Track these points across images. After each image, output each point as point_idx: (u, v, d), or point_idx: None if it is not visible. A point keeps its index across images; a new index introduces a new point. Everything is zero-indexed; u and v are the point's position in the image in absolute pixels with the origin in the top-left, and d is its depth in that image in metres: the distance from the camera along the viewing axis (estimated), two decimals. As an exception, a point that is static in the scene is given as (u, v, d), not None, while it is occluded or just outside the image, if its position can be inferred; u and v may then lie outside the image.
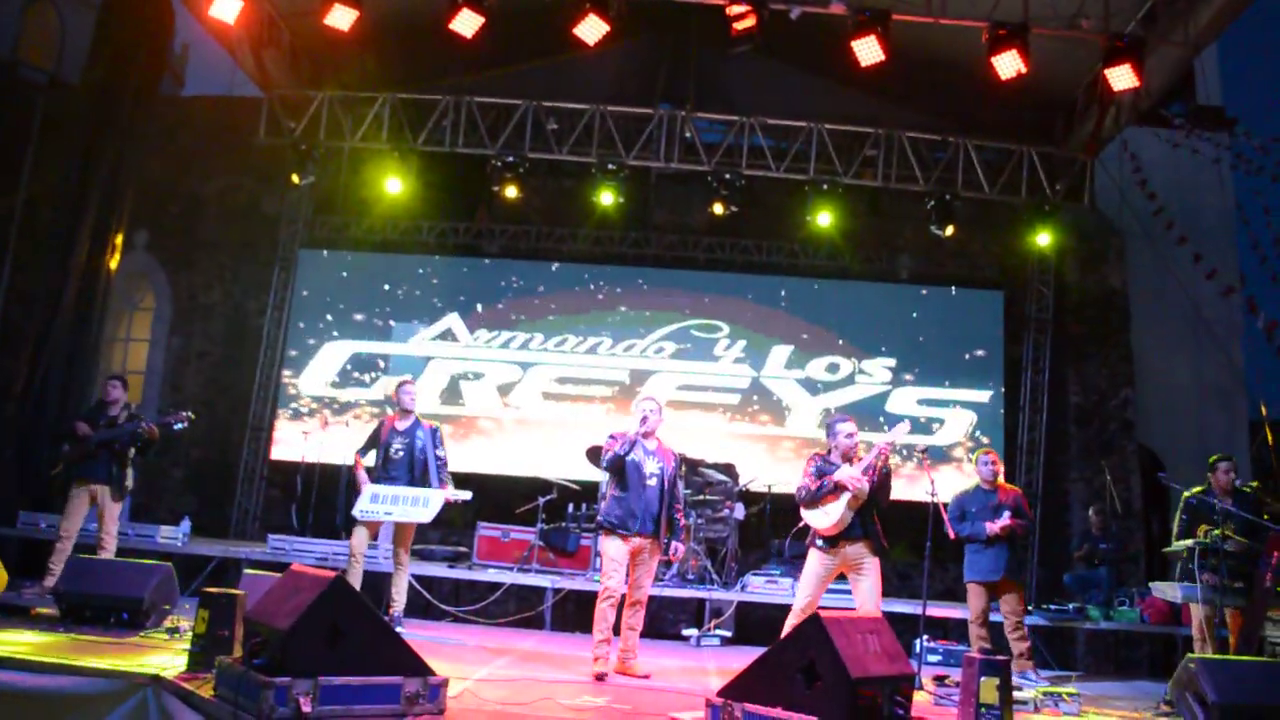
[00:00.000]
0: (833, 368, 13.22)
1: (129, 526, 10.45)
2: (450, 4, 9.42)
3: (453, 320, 13.50)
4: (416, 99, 12.19)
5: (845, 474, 6.56)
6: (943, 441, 12.89)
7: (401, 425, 8.31)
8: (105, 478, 8.52)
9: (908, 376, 13.15)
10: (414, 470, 8.17)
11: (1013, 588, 8.14)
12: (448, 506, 8.38)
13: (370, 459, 8.33)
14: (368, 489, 8.08)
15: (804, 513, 6.77)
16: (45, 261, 11.49)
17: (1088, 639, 10.35)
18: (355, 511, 8.07)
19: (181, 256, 14.19)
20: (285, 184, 12.78)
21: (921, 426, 12.95)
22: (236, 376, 13.60)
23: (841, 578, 6.85)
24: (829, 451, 6.86)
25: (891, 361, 13.20)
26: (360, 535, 8.10)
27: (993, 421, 12.99)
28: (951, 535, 7.75)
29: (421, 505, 8.12)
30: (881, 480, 6.59)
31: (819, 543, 6.70)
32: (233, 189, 14.26)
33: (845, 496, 6.51)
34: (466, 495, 8.43)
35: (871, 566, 6.63)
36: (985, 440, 12.75)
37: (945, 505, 7.68)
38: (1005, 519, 7.98)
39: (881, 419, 12.92)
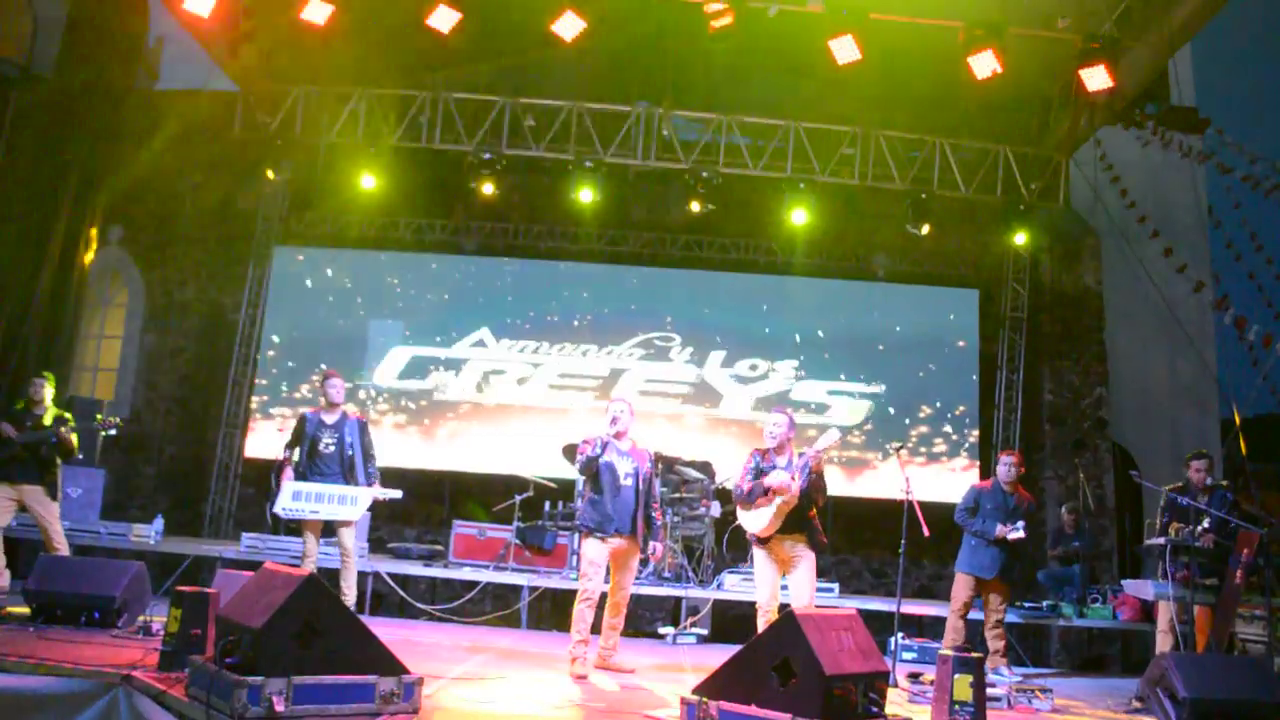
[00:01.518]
0: (806, 365, 13.25)
1: (101, 525, 10.36)
2: (427, 0, 9.39)
3: (427, 316, 13.44)
4: (393, 94, 12.15)
5: (777, 480, 6.68)
6: (918, 437, 12.94)
7: (329, 419, 8.12)
8: (34, 478, 8.20)
9: (882, 375, 13.19)
10: (344, 465, 8.01)
11: (1001, 588, 8.27)
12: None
13: (297, 455, 8.08)
14: (288, 486, 7.85)
15: (738, 512, 6.97)
16: (17, 256, 11.36)
17: (1061, 636, 10.42)
18: (277, 509, 7.85)
19: (156, 252, 14.06)
20: (261, 179, 12.72)
21: (895, 422, 13.02)
22: (211, 373, 13.50)
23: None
24: (768, 449, 6.98)
25: (867, 360, 13.24)
26: (309, 538, 7.96)
27: (968, 420, 13.06)
28: (926, 533, 7.77)
29: (349, 503, 7.97)
30: (813, 482, 6.69)
31: (753, 538, 6.95)
32: (208, 184, 14.14)
33: (776, 501, 6.64)
34: (396, 494, 8.29)
35: (805, 561, 6.81)
36: (972, 438, 12.85)
37: (919, 504, 7.70)
38: (1021, 530, 8.09)
39: (857, 415, 13.00)
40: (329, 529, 8.09)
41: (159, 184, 14.11)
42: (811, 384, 13.22)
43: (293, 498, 7.87)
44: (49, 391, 8.45)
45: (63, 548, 8.29)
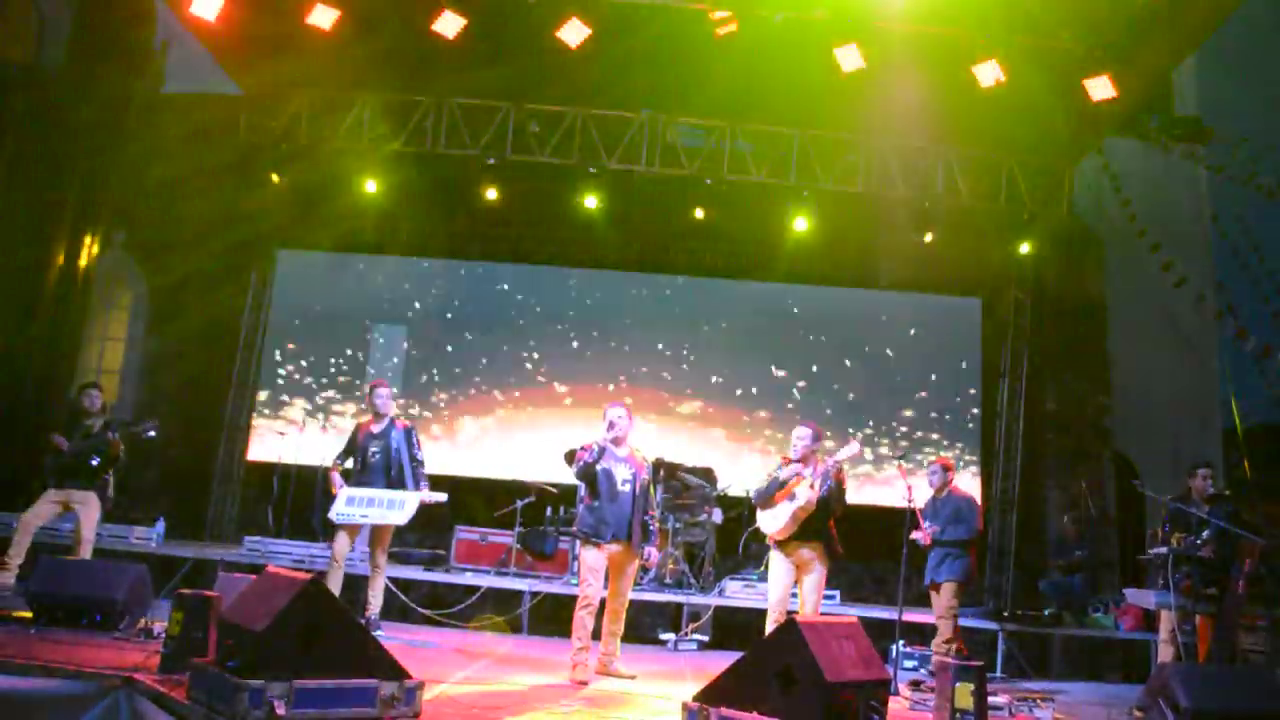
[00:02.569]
0: (809, 373, 13.24)
1: (102, 528, 10.34)
2: (433, 5, 9.40)
3: (432, 322, 13.45)
4: (398, 100, 12.15)
5: (787, 473, 6.94)
6: (920, 448, 12.93)
7: (377, 428, 8.26)
8: (88, 485, 8.39)
9: (885, 383, 13.19)
10: (390, 472, 8.14)
11: (936, 589, 8.34)
12: (423, 507, 8.33)
13: (350, 464, 8.30)
14: (343, 492, 8.04)
15: (758, 514, 7.16)
16: (21, 258, 11.39)
17: (1063, 645, 10.40)
18: (332, 515, 8.02)
19: (159, 255, 14.03)
20: (265, 183, 12.71)
21: (900, 434, 13.02)
22: (213, 377, 13.49)
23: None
24: (792, 459, 7.15)
25: (870, 368, 13.24)
26: (342, 540, 8.08)
27: (970, 429, 13.06)
28: (927, 541, 7.79)
29: (397, 508, 8.08)
30: (832, 493, 6.90)
31: (771, 542, 7.14)
32: (212, 188, 14.09)
33: (793, 505, 6.84)
34: (442, 497, 8.40)
35: (817, 568, 7.01)
36: (974, 446, 12.85)
37: (921, 511, 7.72)
38: (920, 534, 8.16)
39: (852, 429, 13.01)
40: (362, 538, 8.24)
41: (163, 187, 14.10)
42: (817, 392, 13.22)
43: (347, 503, 8.01)
44: (98, 402, 8.62)
45: (85, 554, 8.37)
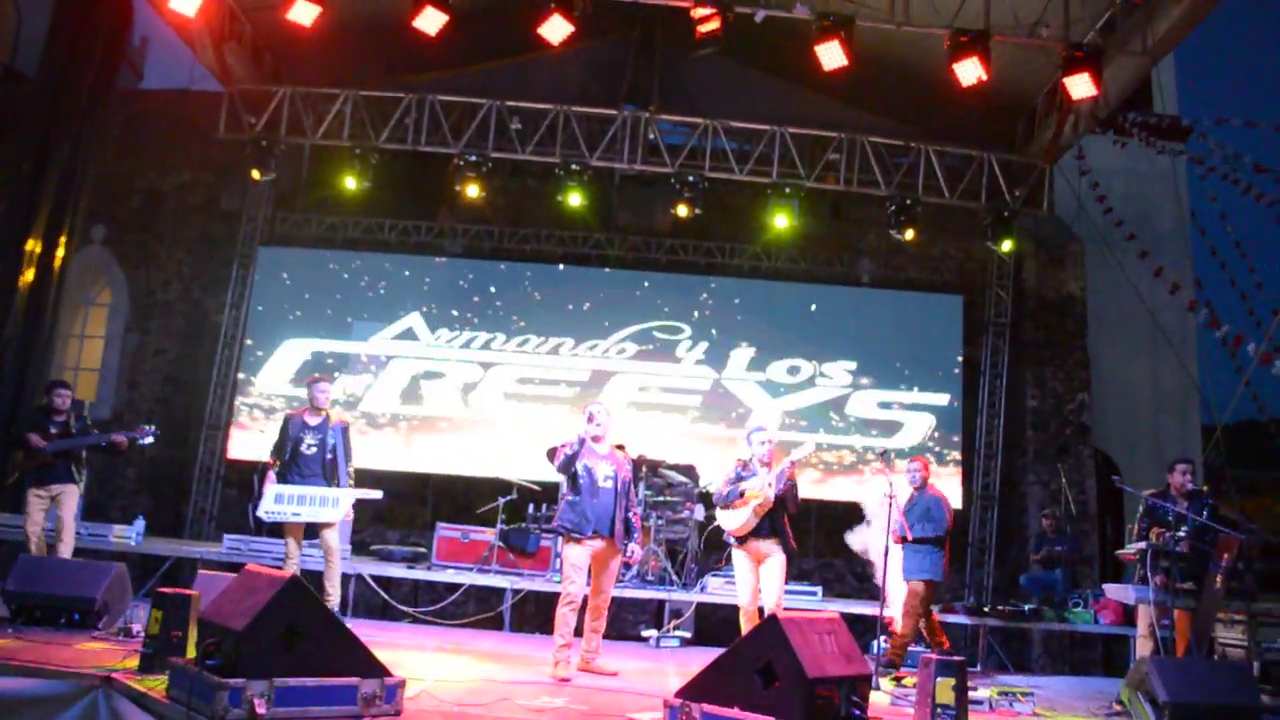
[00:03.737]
0: (793, 370, 13.27)
1: (81, 526, 10.27)
2: (414, 1, 9.36)
3: (414, 319, 13.40)
4: (379, 96, 12.12)
5: (752, 485, 7.23)
6: (902, 444, 12.98)
7: (313, 421, 8.23)
8: (67, 479, 8.37)
9: (866, 380, 13.23)
10: (325, 468, 8.11)
11: (907, 585, 8.34)
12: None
13: (283, 457, 8.20)
14: (271, 489, 7.98)
15: (718, 513, 7.44)
16: (-2, 254, 11.31)
17: (1043, 640, 10.48)
18: (260, 513, 8.00)
19: (139, 252, 14.00)
20: (245, 180, 12.67)
21: (882, 429, 13.06)
22: (194, 374, 13.43)
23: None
24: (750, 459, 7.42)
25: (852, 364, 13.27)
26: (291, 541, 8.06)
27: (951, 425, 13.11)
28: (897, 539, 7.85)
29: (330, 505, 8.04)
30: (788, 490, 7.22)
31: (731, 540, 7.41)
32: (192, 184, 14.09)
33: (752, 503, 7.14)
34: (376, 494, 8.40)
35: (776, 562, 7.26)
36: (955, 442, 12.91)
37: (904, 510, 7.77)
38: (900, 531, 8.21)
39: (839, 420, 13.05)
40: (311, 531, 8.14)
41: (143, 183, 14.07)
42: (798, 389, 13.25)
43: (275, 500, 7.96)
44: (69, 400, 8.57)
45: (67, 549, 8.35)
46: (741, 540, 7.30)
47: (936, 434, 13.08)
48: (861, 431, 13.11)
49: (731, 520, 7.29)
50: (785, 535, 7.30)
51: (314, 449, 8.10)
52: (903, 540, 8.22)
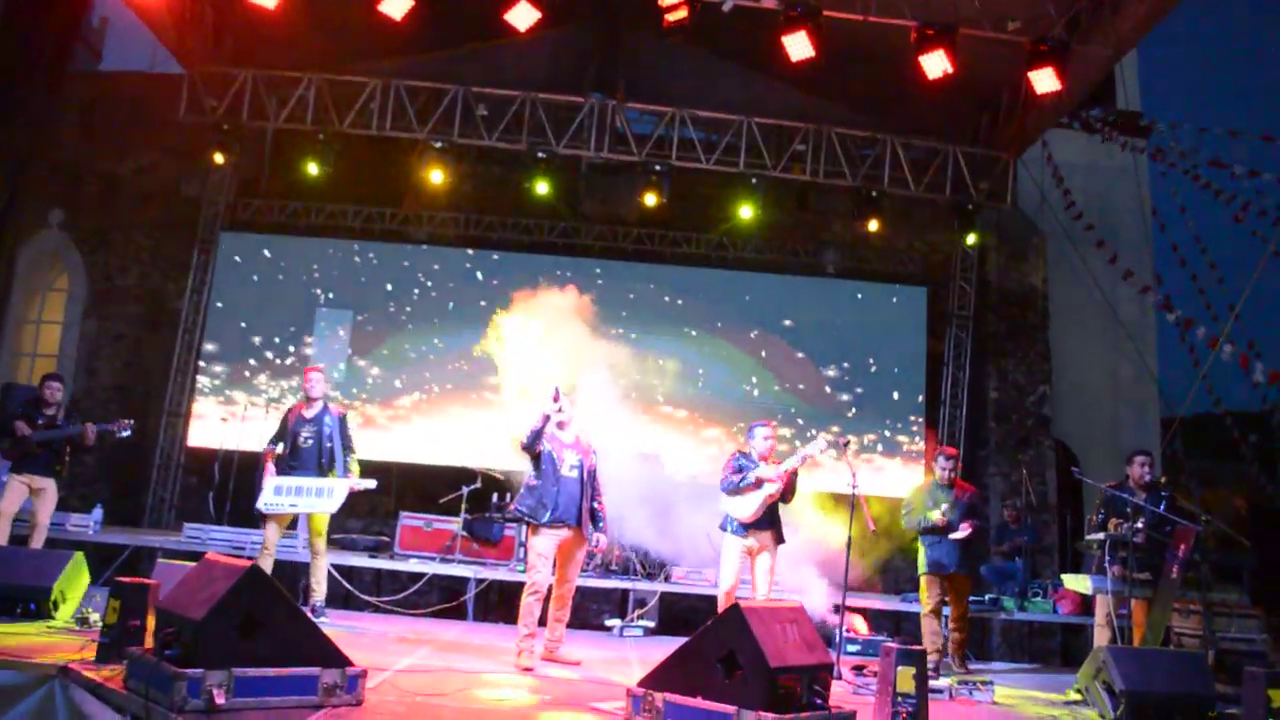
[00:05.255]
0: (756, 359, 13.29)
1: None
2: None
3: (376, 306, 13.30)
4: (343, 80, 11.99)
5: (766, 473, 7.26)
6: (865, 433, 13.06)
7: (309, 413, 8.18)
8: (47, 472, 8.33)
9: (831, 371, 13.28)
10: (321, 458, 8.07)
11: (960, 581, 8.54)
12: (367, 495, 8.28)
13: (281, 449, 8.19)
14: (270, 481, 7.96)
15: (726, 500, 7.39)
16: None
17: (1003, 629, 10.58)
18: (260, 505, 7.96)
19: (97, 236, 13.78)
20: (207, 164, 12.50)
21: (845, 420, 13.13)
22: (153, 361, 13.25)
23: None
24: (750, 451, 7.47)
25: (815, 355, 13.32)
26: (271, 529, 8.02)
27: (914, 416, 13.20)
28: (872, 528, 7.84)
29: (326, 495, 8.02)
30: (789, 483, 7.33)
31: (734, 528, 7.37)
32: (152, 168, 13.88)
33: (763, 492, 7.20)
34: (371, 484, 8.32)
35: (770, 552, 7.39)
36: (918, 433, 13.00)
37: (865, 498, 7.78)
38: (964, 530, 8.35)
39: (801, 417, 13.11)
40: (292, 522, 8.14)
41: (101, 167, 13.84)
42: (764, 378, 13.28)
43: (274, 492, 7.93)
44: (61, 393, 8.55)
45: (40, 539, 8.30)
46: (745, 529, 7.34)
47: (899, 426, 13.17)
48: (826, 422, 13.15)
49: (742, 508, 7.29)
50: (779, 526, 7.45)
51: (310, 441, 8.07)
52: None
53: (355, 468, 8.22)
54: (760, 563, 7.36)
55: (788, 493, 7.37)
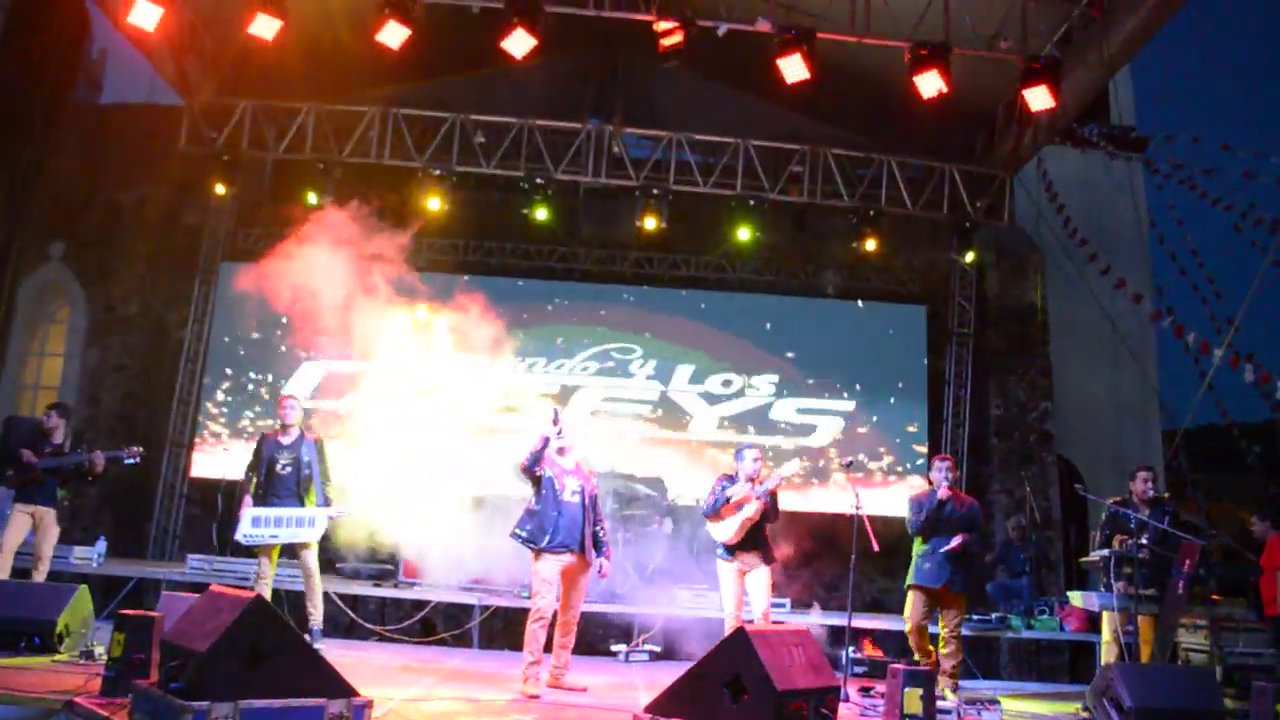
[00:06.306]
0: (756, 381, 13.30)
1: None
2: (377, 15, 9.34)
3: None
4: (342, 110, 12.06)
5: (738, 491, 7.42)
6: (865, 453, 13.06)
7: (286, 440, 8.18)
8: (50, 502, 8.31)
9: (832, 390, 13.29)
10: (300, 486, 8.05)
11: (951, 598, 7.88)
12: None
13: (257, 478, 8.14)
14: (248, 512, 7.92)
15: (708, 524, 7.57)
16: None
17: (1010, 647, 10.54)
18: (238, 537, 7.93)
19: (99, 267, 13.80)
20: (207, 194, 12.55)
21: (846, 437, 13.13)
22: (156, 392, 13.26)
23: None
24: (736, 474, 7.58)
25: (817, 374, 13.33)
26: (264, 560, 8.00)
27: (916, 434, 13.19)
28: (876, 548, 7.79)
29: (307, 525, 8.00)
30: (769, 502, 7.43)
31: (720, 553, 7.51)
32: (153, 198, 13.91)
33: (741, 514, 7.34)
34: (349, 511, 8.33)
35: (763, 571, 7.48)
36: (920, 451, 12.98)
37: (869, 518, 7.75)
38: (953, 542, 7.78)
39: (797, 433, 13.10)
40: (288, 551, 8.12)
41: (102, 198, 13.88)
42: (764, 400, 13.29)
43: (253, 524, 7.89)
44: (62, 421, 8.54)
45: (44, 571, 8.27)
46: (731, 551, 7.43)
47: (901, 444, 13.17)
48: (828, 442, 13.16)
49: (722, 531, 7.42)
50: (768, 547, 7.53)
51: (288, 468, 8.05)
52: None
53: (335, 495, 8.21)
54: (753, 582, 7.46)
55: (771, 513, 7.46)
